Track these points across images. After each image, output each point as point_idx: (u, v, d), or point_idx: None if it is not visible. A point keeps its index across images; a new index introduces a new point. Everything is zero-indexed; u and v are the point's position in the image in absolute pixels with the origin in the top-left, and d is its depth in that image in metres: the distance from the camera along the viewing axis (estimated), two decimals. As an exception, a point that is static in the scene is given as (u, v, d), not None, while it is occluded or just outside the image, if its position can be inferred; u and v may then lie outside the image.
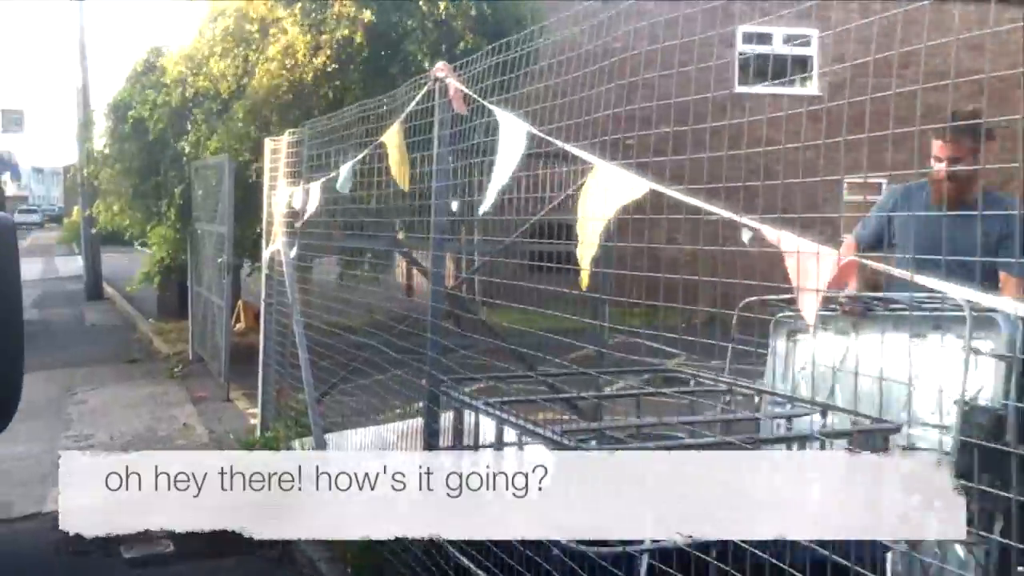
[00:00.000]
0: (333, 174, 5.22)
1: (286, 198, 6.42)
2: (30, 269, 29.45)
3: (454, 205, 6.86)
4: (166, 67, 11.67)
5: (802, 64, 20.16)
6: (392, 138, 4.16)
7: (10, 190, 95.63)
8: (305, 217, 5.25)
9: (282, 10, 10.46)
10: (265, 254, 6.86)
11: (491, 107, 3.17)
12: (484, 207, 3.10)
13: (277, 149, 6.88)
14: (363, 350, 5.62)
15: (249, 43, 10.65)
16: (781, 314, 4.91)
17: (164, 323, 15.08)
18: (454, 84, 3.66)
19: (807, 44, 20.01)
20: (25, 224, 62.58)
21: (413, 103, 4.07)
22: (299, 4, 10.44)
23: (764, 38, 19.43)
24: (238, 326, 13.36)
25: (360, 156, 4.69)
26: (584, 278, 2.46)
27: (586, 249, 2.38)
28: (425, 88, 3.93)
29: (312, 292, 6.84)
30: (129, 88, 12.58)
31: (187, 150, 11.43)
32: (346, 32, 10.01)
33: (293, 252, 6.12)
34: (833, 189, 18.80)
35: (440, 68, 3.76)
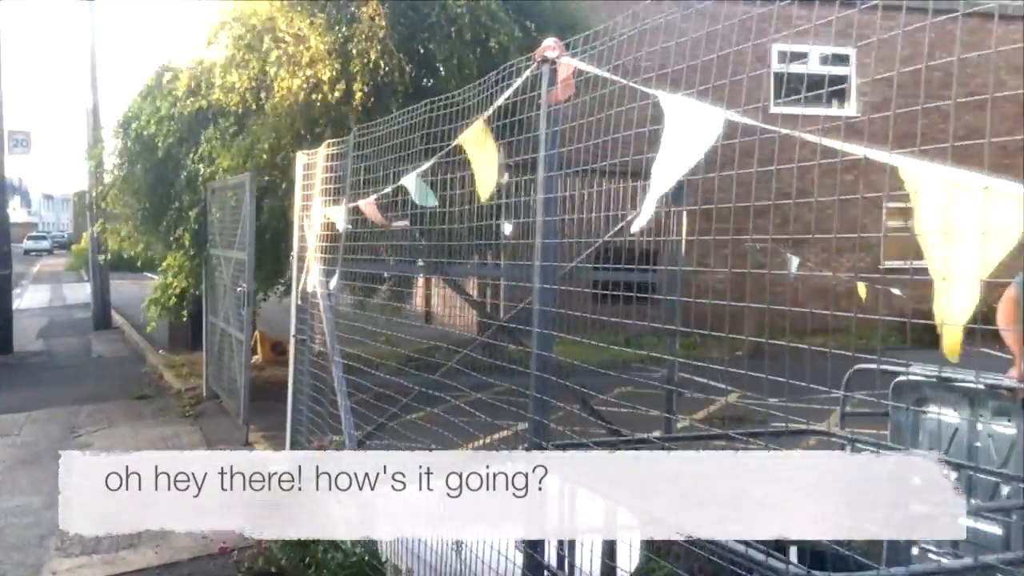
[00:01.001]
0: (387, 189, 4.37)
1: (323, 219, 5.57)
2: (37, 297, 28.71)
3: (507, 227, 6.00)
4: (179, 76, 10.86)
5: (839, 83, 19.40)
6: (475, 137, 3.30)
7: (20, 216, 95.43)
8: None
9: (300, 22, 9.59)
10: (299, 285, 5.98)
11: (656, 93, 2.31)
12: (639, 224, 2.23)
13: (311, 164, 6.03)
14: (403, 384, 4.83)
15: (266, 53, 9.80)
16: (902, 377, 4.20)
17: (175, 355, 14.23)
18: (573, 65, 2.80)
19: (844, 63, 19.29)
20: (34, 251, 62.13)
21: (505, 96, 3.21)
22: (321, 16, 9.59)
23: (799, 57, 18.72)
24: (255, 358, 12.50)
25: (427, 165, 3.83)
26: (954, 343, 1.48)
27: (960, 304, 1.40)
28: (526, 74, 3.07)
29: (342, 326, 5.99)
30: (140, 102, 11.77)
31: (202, 170, 10.61)
32: (378, 57, 9.16)
33: (333, 283, 5.25)
34: (871, 213, 18.04)
35: (551, 46, 2.90)
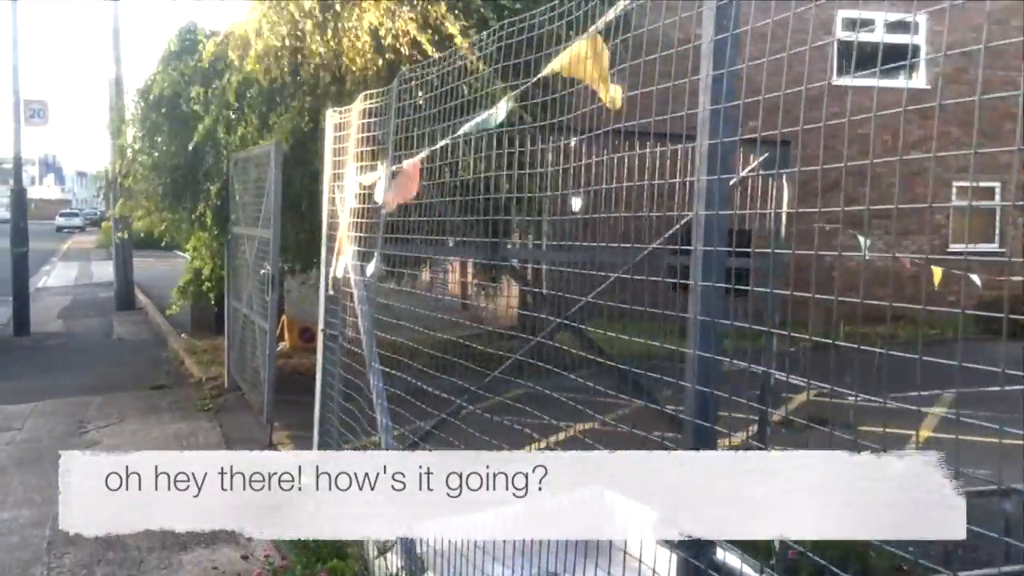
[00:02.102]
0: (445, 141, 3.33)
1: (358, 190, 4.54)
2: (64, 274, 28.12)
3: (576, 203, 4.91)
4: (208, 50, 9.79)
5: (908, 54, 18.04)
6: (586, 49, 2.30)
7: (53, 193, 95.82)
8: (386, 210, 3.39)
9: None
10: (334, 270, 4.94)
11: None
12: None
13: (344, 123, 5.00)
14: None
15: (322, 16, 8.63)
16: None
17: (198, 340, 13.35)
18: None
19: (914, 32, 17.93)
20: (67, 228, 61.91)
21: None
22: None
23: (865, 24, 17.47)
24: (282, 346, 11.57)
25: (518, 90, 2.79)
26: None
27: None
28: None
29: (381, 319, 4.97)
30: (162, 71, 10.76)
31: (233, 143, 9.60)
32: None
33: (371, 268, 4.22)
34: (940, 192, 16.71)
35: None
